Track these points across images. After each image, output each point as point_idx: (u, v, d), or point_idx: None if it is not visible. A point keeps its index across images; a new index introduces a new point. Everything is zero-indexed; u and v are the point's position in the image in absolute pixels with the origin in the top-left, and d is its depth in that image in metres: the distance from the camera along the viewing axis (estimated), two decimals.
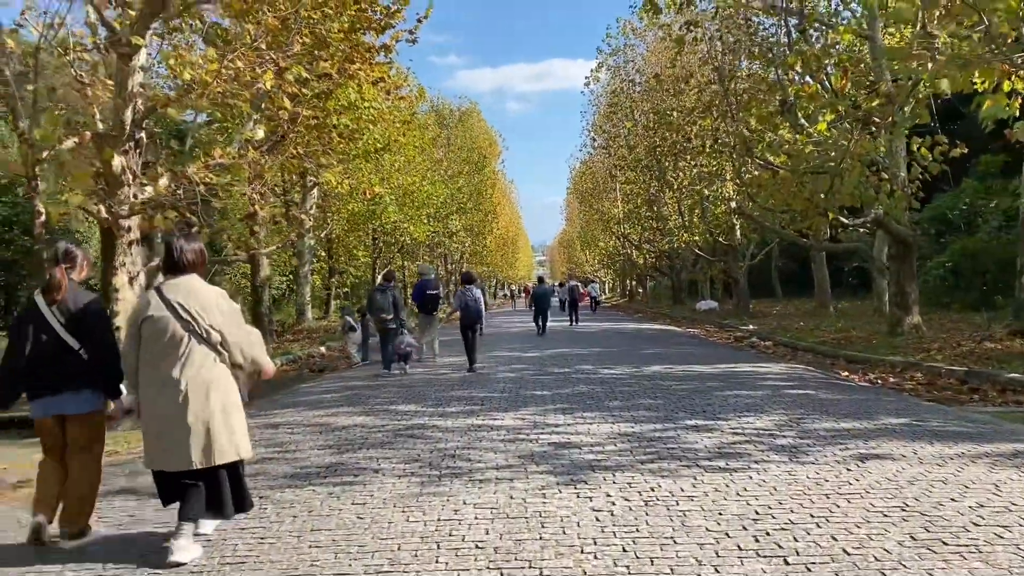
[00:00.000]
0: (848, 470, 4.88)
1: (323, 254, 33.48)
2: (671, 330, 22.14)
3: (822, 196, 13.53)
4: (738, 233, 28.02)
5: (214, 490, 3.75)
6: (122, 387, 4.05)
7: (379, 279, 16.13)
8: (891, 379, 10.36)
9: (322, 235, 26.41)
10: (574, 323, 25.48)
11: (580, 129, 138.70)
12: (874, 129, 12.95)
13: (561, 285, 35.74)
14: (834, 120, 13.71)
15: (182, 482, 3.71)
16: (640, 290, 58.64)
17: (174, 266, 3.81)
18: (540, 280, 23.45)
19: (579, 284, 33.40)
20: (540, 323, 20.37)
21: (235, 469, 3.85)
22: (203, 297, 3.74)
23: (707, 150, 20.71)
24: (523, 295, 66.50)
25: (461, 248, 48.52)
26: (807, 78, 12.63)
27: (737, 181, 21.45)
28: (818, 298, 26.31)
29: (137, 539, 4.09)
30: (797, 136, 13.83)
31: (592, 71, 39.20)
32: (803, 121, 14.29)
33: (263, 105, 12.03)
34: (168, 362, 3.65)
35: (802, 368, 11.45)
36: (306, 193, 24.36)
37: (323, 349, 17.65)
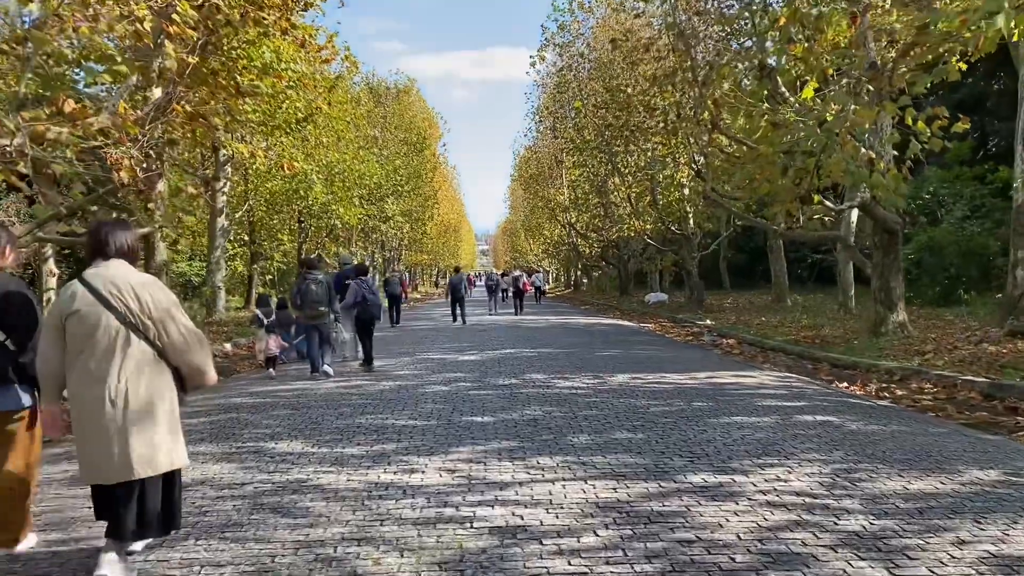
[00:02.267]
0: None
1: (245, 237, 30.62)
2: (624, 325, 20.25)
3: (804, 177, 11.77)
4: (691, 221, 26.37)
5: (146, 504, 3.35)
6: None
7: (303, 268, 13.67)
8: (897, 391, 8.61)
9: (237, 215, 23.57)
10: (519, 311, 26.36)
11: (525, 115, 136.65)
12: (867, 97, 11.19)
13: (504, 275, 34.20)
14: (820, 89, 11.95)
15: (114, 494, 3.30)
16: (585, 280, 57.04)
17: (101, 252, 3.39)
18: (456, 269, 25.24)
19: (523, 274, 32.12)
20: (458, 311, 21.32)
21: (170, 481, 3.46)
22: (136, 286, 3.32)
23: (667, 126, 18.74)
24: (467, 285, 64.15)
25: (399, 234, 45.86)
26: (799, 37, 10.73)
27: (695, 164, 19.62)
28: (775, 291, 24.87)
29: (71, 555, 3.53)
30: (778, 106, 11.96)
31: (538, 51, 37.15)
32: (782, 89, 12.44)
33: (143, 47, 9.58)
34: (102, 360, 3.23)
35: (794, 378, 9.57)
36: (219, 168, 21.55)
37: (228, 347, 15.09)
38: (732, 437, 5.71)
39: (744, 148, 12.33)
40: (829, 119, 10.35)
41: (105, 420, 3.20)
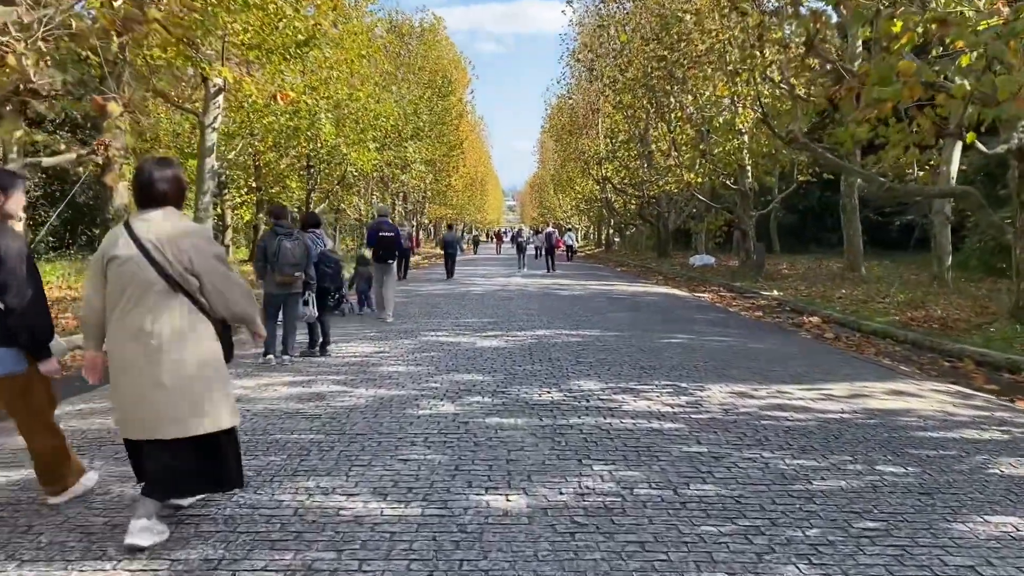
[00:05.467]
0: None
1: (251, 183, 27.79)
2: (676, 295, 17.10)
3: (957, 107, 8.52)
4: (749, 175, 22.92)
5: (178, 464, 3.13)
6: (54, 344, 3.38)
7: (271, 218, 10.72)
8: None
9: (230, 156, 20.61)
10: (550, 270, 25.68)
11: (557, 63, 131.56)
12: None
13: (537, 232, 31.74)
14: None
15: (143, 451, 3.15)
16: (617, 239, 53.60)
17: (145, 197, 3.17)
18: (449, 227, 26.63)
19: (555, 230, 29.52)
20: (449, 266, 22.49)
21: (213, 442, 3.20)
22: (178, 235, 3.09)
23: (736, 55, 15.19)
24: (494, 239, 61.32)
25: (421, 184, 42.71)
26: None
27: (760, 106, 16.15)
28: (847, 258, 21.42)
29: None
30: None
31: None
32: None
33: None
34: (138, 312, 3.04)
35: (977, 397, 6.42)
36: (208, 100, 18.46)
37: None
38: None
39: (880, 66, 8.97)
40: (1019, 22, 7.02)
41: (139, 372, 3.04)
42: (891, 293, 15.17)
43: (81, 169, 14.10)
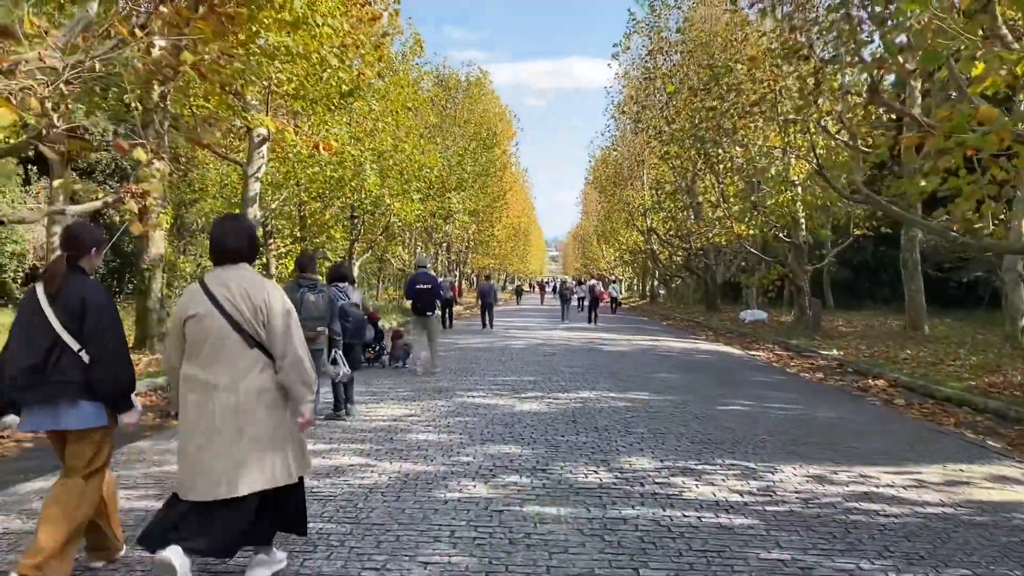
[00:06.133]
0: None
1: (296, 232, 27.86)
2: (729, 353, 16.18)
3: None
4: (803, 227, 22.03)
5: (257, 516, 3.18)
6: (133, 399, 3.39)
7: (298, 270, 10.53)
8: None
9: (273, 206, 20.59)
10: (593, 322, 25.66)
11: (600, 120, 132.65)
12: None
13: (580, 283, 31.28)
14: None
15: (220, 510, 3.08)
16: (662, 291, 52.54)
17: (219, 254, 3.25)
18: (487, 277, 27.19)
19: (599, 282, 29.26)
20: (487, 317, 22.47)
21: (287, 491, 3.26)
22: (253, 292, 3.15)
23: (789, 104, 14.54)
24: (537, 289, 61.35)
25: (464, 234, 42.58)
26: None
27: (815, 157, 15.38)
28: (909, 315, 20.22)
29: None
30: (1004, 45, 7.86)
31: (623, 37, 33.27)
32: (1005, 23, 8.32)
33: None
34: (213, 367, 3.09)
35: None
36: (253, 149, 18.49)
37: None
38: None
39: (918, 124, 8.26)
40: None
41: (210, 429, 3.06)
42: (961, 355, 14.07)
43: (118, 218, 14.01)
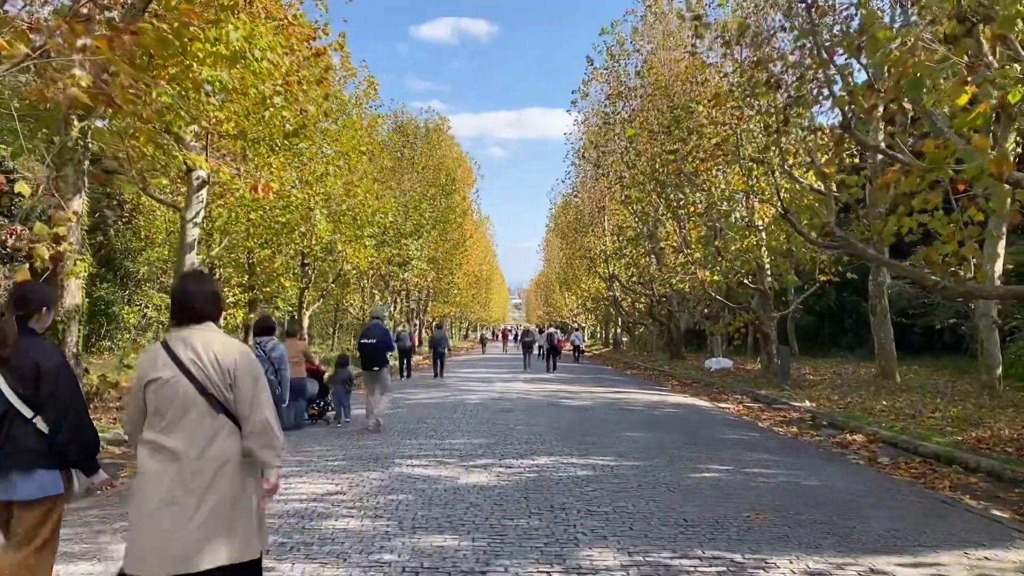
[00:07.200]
0: None
1: (244, 279, 26.49)
2: (695, 406, 15.25)
3: None
4: (768, 273, 21.47)
5: None
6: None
7: (257, 334, 9.72)
8: None
9: (213, 252, 19.34)
10: (552, 370, 25.88)
11: (560, 170, 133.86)
12: None
13: (540, 331, 30.90)
14: None
15: None
16: (625, 339, 51.83)
17: (183, 314, 3.04)
18: (439, 326, 26.14)
19: (557, 331, 30.01)
20: (438, 366, 22.59)
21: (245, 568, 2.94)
22: (220, 354, 2.95)
23: (771, 135, 13.76)
24: (500, 339, 60.42)
25: (422, 282, 41.46)
26: None
27: (779, 199, 14.78)
28: (879, 363, 19.61)
29: None
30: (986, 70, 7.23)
31: (581, 85, 33.02)
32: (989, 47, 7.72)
33: None
34: (176, 434, 2.87)
35: None
36: (192, 193, 17.25)
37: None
38: None
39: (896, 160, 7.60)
40: None
41: (169, 498, 2.81)
42: (941, 406, 13.38)
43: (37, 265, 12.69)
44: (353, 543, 4.87)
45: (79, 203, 11.90)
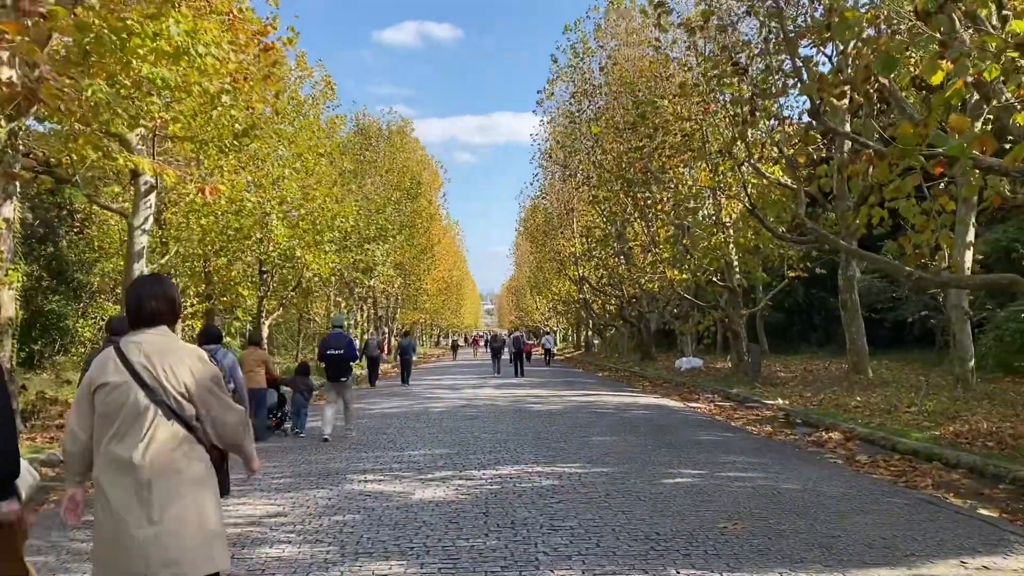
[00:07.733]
0: None
1: (200, 289, 25.56)
2: (667, 407, 14.84)
3: None
4: (736, 271, 21.23)
5: None
6: (19, 484, 2.79)
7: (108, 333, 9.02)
8: None
9: (163, 261, 18.51)
10: (518, 375, 25.47)
11: (530, 174, 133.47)
12: None
13: (509, 335, 30.74)
14: None
15: None
16: (597, 340, 51.55)
17: (136, 318, 2.91)
18: (405, 334, 26.12)
19: (523, 335, 30.12)
20: (405, 373, 22.95)
21: None
22: (174, 358, 2.81)
23: (738, 125, 13.41)
24: (473, 344, 59.82)
25: (389, 289, 40.71)
26: None
27: (747, 195, 14.48)
28: (851, 358, 19.42)
29: None
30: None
31: (547, 84, 32.70)
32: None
33: None
34: (128, 443, 2.71)
35: None
36: (139, 199, 16.36)
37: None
38: None
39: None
40: None
41: (125, 509, 2.67)
42: (916, 400, 13.12)
43: None
44: (285, 574, 4.30)
45: (10, 209, 11.14)
